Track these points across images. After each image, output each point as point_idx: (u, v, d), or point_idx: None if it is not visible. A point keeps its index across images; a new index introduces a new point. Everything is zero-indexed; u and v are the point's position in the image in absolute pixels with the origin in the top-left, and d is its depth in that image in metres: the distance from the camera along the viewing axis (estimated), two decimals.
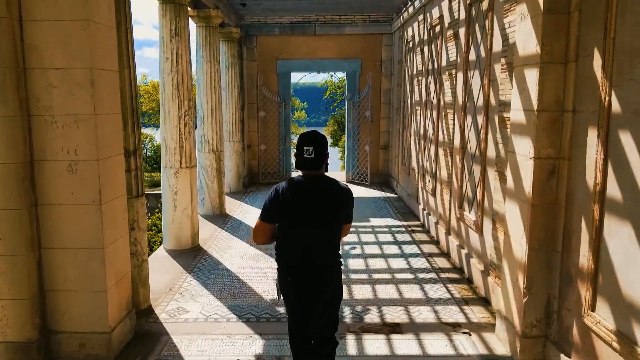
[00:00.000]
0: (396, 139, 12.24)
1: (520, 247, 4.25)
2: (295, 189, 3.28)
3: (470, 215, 6.34)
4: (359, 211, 10.07)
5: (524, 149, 4.20)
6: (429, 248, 7.64)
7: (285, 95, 13.36)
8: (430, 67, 8.63)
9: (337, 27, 12.95)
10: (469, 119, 6.47)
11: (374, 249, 7.59)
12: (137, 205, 4.95)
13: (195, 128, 8.70)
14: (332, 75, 40.64)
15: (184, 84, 7.19)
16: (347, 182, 13.66)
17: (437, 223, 8.04)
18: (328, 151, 3.35)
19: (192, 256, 7.21)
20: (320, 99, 44.94)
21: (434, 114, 8.31)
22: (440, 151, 7.89)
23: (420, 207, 9.32)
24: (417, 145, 9.64)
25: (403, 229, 8.78)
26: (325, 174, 3.37)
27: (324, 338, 3.42)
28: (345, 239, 7.62)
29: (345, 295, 5.46)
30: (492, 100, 5.58)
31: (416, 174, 9.74)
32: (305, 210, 3.26)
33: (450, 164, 7.30)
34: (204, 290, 5.90)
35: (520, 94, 4.26)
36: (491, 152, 5.57)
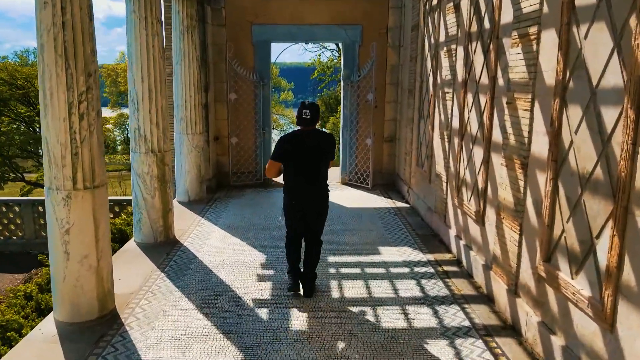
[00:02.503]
0: (407, 130, 9.35)
1: None
2: (297, 138, 4.94)
3: (576, 283, 3.53)
4: (363, 232, 7.22)
5: None
6: (480, 313, 4.82)
7: (264, 72, 10.36)
8: (475, 28, 5.72)
9: None
10: (573, 110, 3.61)
11: (394, 314, 4.76)
12: None
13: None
14: (320, 55, 37.71)
15: (77, 46, 4.22)
16: (343, 184, 10.77)
17: (487, 267, 5.23)
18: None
19: (97, 336, 4.33)
20: (307, 80, 42.33)
21: (483, 99, 5.43)
22: (497, 159, 5.04)
23: (452, 232, 6.50)
24: (446, 144, 6.77)
25: (430, 270, 5.95)
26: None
27: (315, 239, 5.26)
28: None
29: None
30: None
31: (443, 184, 6.90)
32: (303, 152, 4.89)
33: (521, 181, 4.46)
34: None
35: None
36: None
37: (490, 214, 5.23)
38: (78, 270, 4.44)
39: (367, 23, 10.18)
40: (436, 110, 7.37)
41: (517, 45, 4.54)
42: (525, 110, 4.37)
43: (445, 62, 6.88)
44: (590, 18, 3.44)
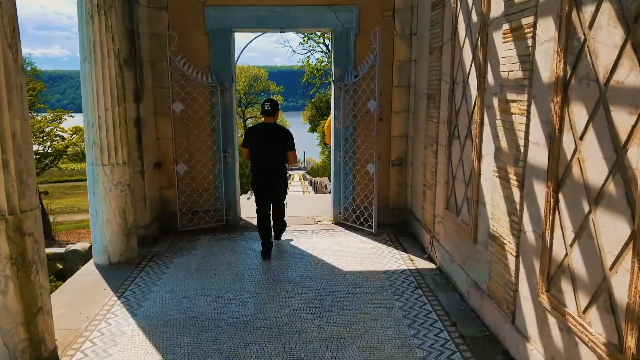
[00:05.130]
0: (428, 153, 6.47)
1: None
2: (260, 128, 6.36)
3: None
4: (369, 331, 4.19)
5: None
6: None
7: (223, 73, 7.44)
8: None
9: None
10: None
11: None
12: None
13: None
14: (308, 57, 34.75)
15: None
16: (336, 224, 7.86)
17: None
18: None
19: None
20: (297, 83, 39.78)
21: (627, 116, 2.57)
22: None
23: (532, 348, 3.62)
24: (515, 190, 3.89)
25: None
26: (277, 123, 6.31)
27: (279, 207, 6.68)
28: None
29: None
30: None
31: (508, 256, 4.02)
32: (265, 139, 6.18)
33: None
34: None
35: None
36: None
37: None
38: None
39: (365, 2, 7.30)
40: (488, 129, 4.49)
41: None
42: None
43: (506, 49, 4.01)
44: None
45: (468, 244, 5.02)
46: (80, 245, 7.55)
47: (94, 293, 5.41)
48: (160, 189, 7.58)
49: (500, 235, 4.17)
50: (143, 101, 6.83)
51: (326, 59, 32.96)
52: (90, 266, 6.26)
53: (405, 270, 5.94)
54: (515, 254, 3.93)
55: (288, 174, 6.61)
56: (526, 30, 3.70)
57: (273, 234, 6.70)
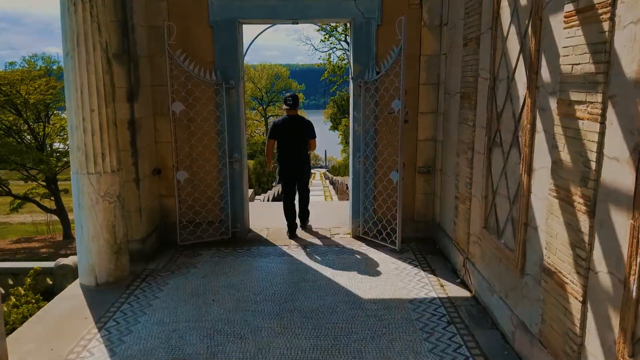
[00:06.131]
0: (461, 160, 5.59)
1: None
2: (285, 121, 6.95)
3: None
4: None
5: None
6: None
7: (230, 70, 6.66)
8: None
9: None
10: None
11: None
12: None
13: None
14: (330, 55, 33.90)
15: None
16: (354, 238, 7.03)
17: None
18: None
19: None
20: (319, 81, 39.01)
21: None
22: None
23: None
24: (582, 216, 3.02)
25: None
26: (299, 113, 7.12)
27: (303, 187, 7.33)
28: None
29: None
30: None
31: (570, 299, 3.15)
32: (289, 131, 6.89)
33: None
34: None
35: None
36: None
37: None
38: None
39: None
40: (542, 137, 3.61)
41: None
42: None
43: (569, 36, 3.13)
44: None
45: (513, 275, 4.15)
46: (72, 260, 6.85)
47: (73, 323, 4.68)
48: (160, 197, 6.85)
49: (560, 272, 3.30)
50: (138, 101, 6.09)
51: (347, 56, 32.11)
52: (74, 288, 5.55)
53: (434, 298, 5.08)
54: (581, 299, 3.05)
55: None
56: (600, 11, 2.82)
57: (297, 215, 7.39)
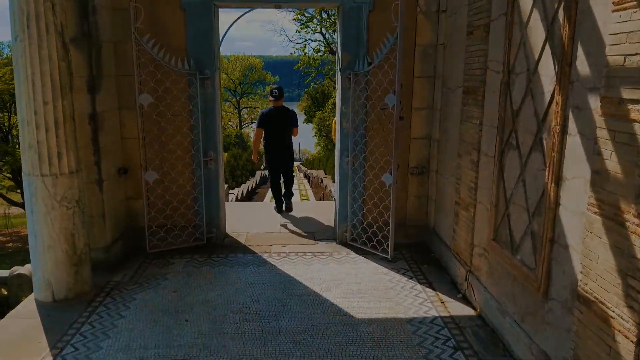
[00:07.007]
0: (463, 162, 5.06)
1: None
2: (271, 111, 7.60)
3: None
4: None
5: None
6: None
7: (204, 58, 5.98)
8: None
9: None
10: None
11: None
12: None
13: None
14: (305, 46, 33.08)
15: None
16: (341, 244, 6.45)
17: None
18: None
19: None
20: (293, 73, 38.14)
21: None
22: None
23: None
24: (637, 235, 2.50)
25: None
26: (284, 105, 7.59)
27: (288, 171, 8.01)
28: None
29: None
30: None
31: (616, 335, 2.65)
32: (276, 121, 7.55)
33: None
34: None
35: None
36: None
37: None
38: None
39: None
40: (577, 140, 3.09)
41: None
42: None
43: (620, 21, 2.59)
44: None
45: (532, 297, 3.63)
46: (28, 269, 6.11)
47: (24, 350, 4.01)
48: (126, 200, 6.16)
49: (602, 302, 2.78)
50: (100, 92, 5.37)
51: (322, 49, 31.42)
52: (29, 304, 4.85)
53: (436, 318, 4.54)
54: (634, 339, 2.54)
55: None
56: None
57: (283, 193, 8.09)
